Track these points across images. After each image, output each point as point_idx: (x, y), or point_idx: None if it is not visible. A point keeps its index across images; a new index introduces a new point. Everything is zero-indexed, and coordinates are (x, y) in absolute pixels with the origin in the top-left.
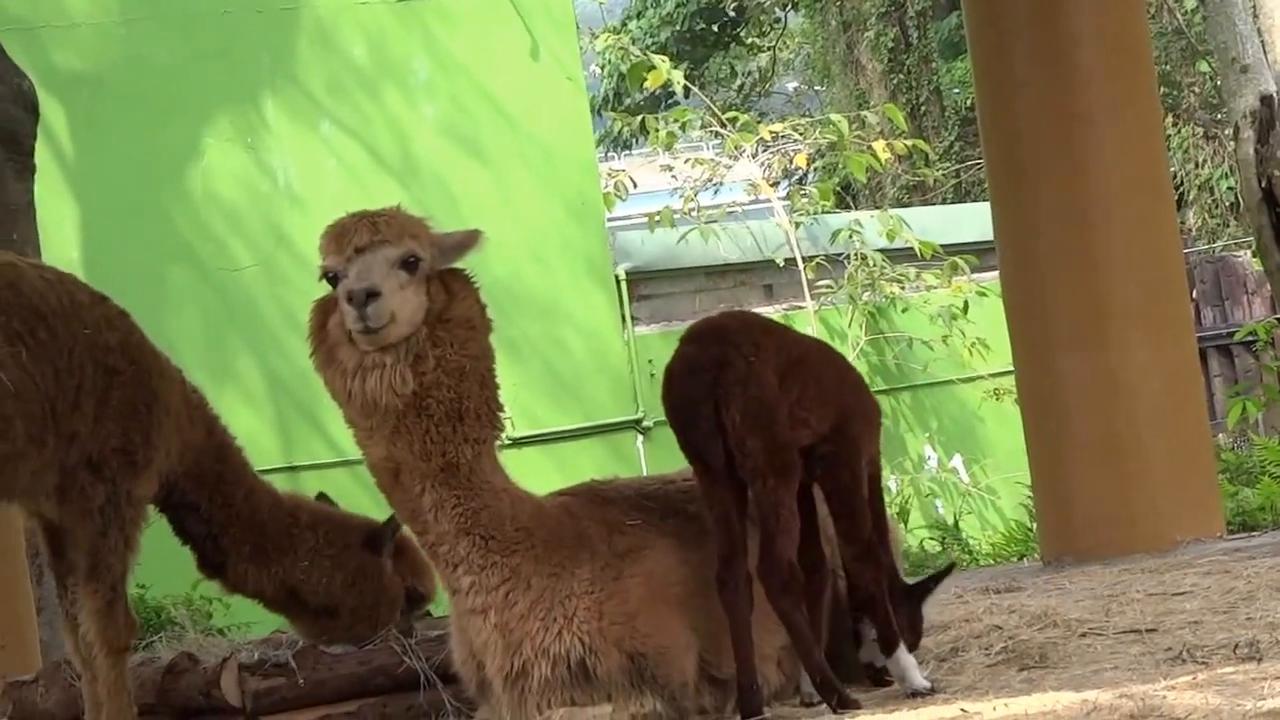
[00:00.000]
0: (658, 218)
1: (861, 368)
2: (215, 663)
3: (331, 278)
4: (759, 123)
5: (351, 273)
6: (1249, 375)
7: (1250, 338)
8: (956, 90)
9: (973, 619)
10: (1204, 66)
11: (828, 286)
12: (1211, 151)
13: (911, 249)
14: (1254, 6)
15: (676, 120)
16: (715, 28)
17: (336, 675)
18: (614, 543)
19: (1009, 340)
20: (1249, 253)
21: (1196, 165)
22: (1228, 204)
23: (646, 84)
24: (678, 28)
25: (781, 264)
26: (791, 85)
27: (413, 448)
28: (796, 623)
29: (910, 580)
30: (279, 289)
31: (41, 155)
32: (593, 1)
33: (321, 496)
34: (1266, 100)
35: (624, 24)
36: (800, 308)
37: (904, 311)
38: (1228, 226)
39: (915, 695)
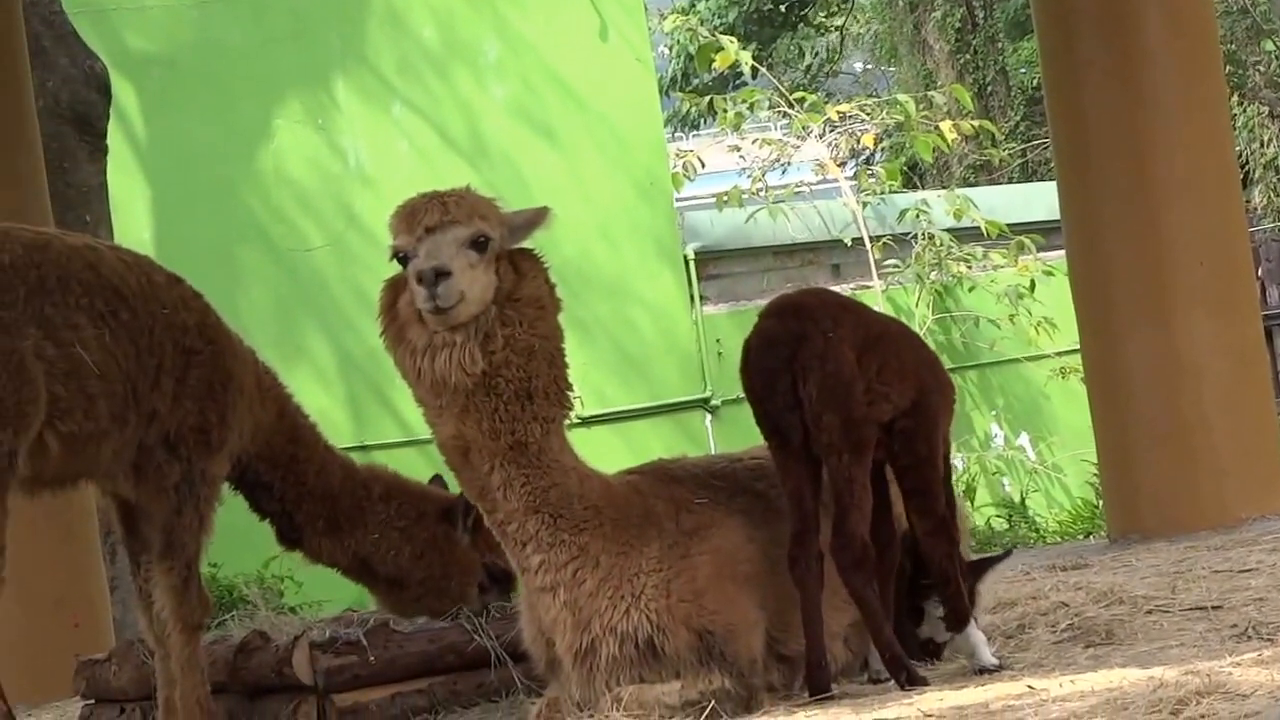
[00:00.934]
0: (726, 198)
1: None
2: (287, 641)
3: (401, 258)
4: (826, 103)
5: (421, 252)
6: None
7: None
8: (1023, 70)
9: (1039, 596)
10: (1269, 45)
11: (894, 266)
12: (1277, 130)
13: (978, 228)
14: None
15: (744, 101)
16: (783, 8)
17: (407, 653)
18: (682, 521)
19: (1075, 319)
20: None
21: (1262, 144)
22: None
23: (715, 65)
24: (745, 8)
25: (849, 243)
26: (859, 66)
27: (481, 426)
28: (868, 599)
29: (973, 558)
30: (349, 269)
31: (114, 137)
32: None
33: (436, 479)
34: None
35: (692, 5)
36: (867, 287)
37: (970, 290)
38: None
39: (983, 672)
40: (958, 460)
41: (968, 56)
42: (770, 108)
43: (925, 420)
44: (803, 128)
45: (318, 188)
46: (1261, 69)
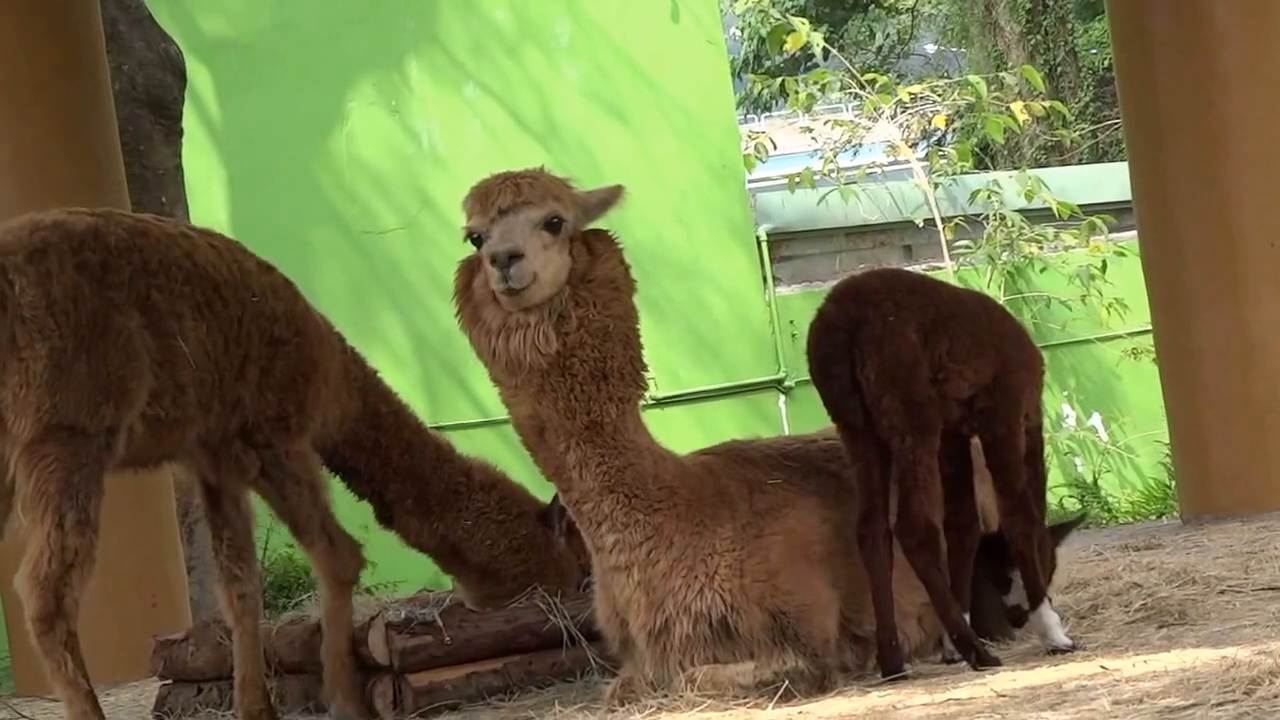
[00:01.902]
0: (798, 179)
1: None
2: (363, 621)
3: (475, 239)
4: (897, 84)
5: (495, 234)
6: None
7: None
8: (1093, 51)
9: (1112, 576)
10: None
11: (966, 247)
12: None
13: (1049, 209)
14: None
15: (816, 82)
16: None
17: (482, 633)
18: (755, 501)
19: (1146, 299)
20: None
21: None
22: None
23: (786, 47)
24: None
25: (920, 224)
26: (930, 47)
27: (557, 406)
28: (935, 580)
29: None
30: (423, 251)
31: (189, 120)
32: None
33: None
34: None
35: None
36: (939, 268)
37: (1042, 271)
38: None
39: (1056, 652)
40: None
41: (1038, 37)
42: (841, 89)
43: (1006, 398)
44: (874, 109)
45: (391, 170)
46: None
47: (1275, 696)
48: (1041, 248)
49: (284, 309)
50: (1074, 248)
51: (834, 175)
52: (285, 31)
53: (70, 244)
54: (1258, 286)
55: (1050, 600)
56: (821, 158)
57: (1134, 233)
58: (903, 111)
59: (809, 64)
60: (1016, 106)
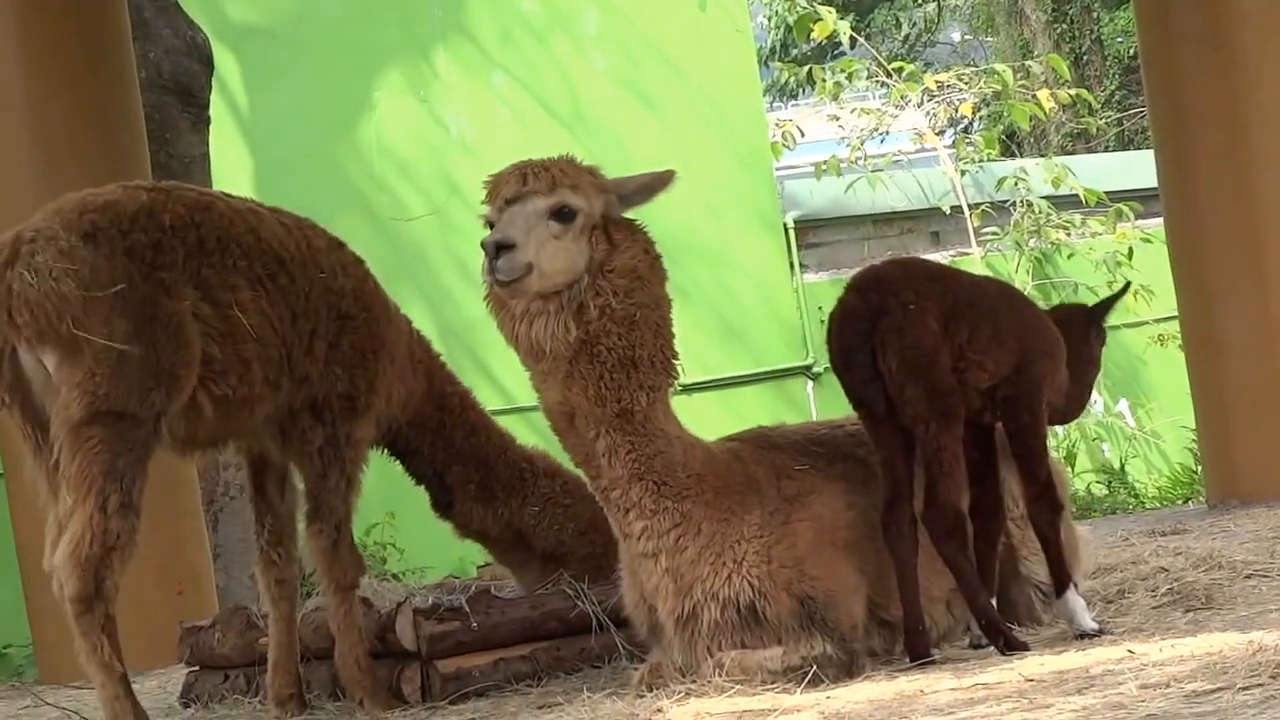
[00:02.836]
0: (825, 166)
1: None
2: (390, 607)
3: (491, 227)
4: (924, 73)
5: (499, 223)
6: None
7: None
8: (1119, 39)
9: (1139, 561)
10: None
11: (993, 233)
12: None
13: (1076, 196)
14: None
15: (843, 70)
16: None
17: (510, 619)
18: (782, 488)
19: (1173, 286)
20: None
21: None
22: None
23: (813, 35)
24: None
25: (948, 211)
26: (956, 36)
27: (587, 393)
28: (961, 567)
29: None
30: (451, 239)
31: (216, 107)
32: None
33: None
34: None
35: None
36: (967, 254)
37: (1069, 258)
38: None
39: (1083, 636)
40: (1058, 427)
41: (1064, 26)
42: (868, 77)
43: (1028, 386)
44: (901, 97)
45: (419, 158)
46: None
47: None
48: (1068, 234)
49: (352, 286)
50: (1101, 234)
51: (861, 163)
52: (313, 19)
53: (120, 226)
54: None
55: (1077, 585)
56: (849, 145)
57: (1160, 219)
58: (929, 99)
59: (836, 52)
60: (1043, 94)
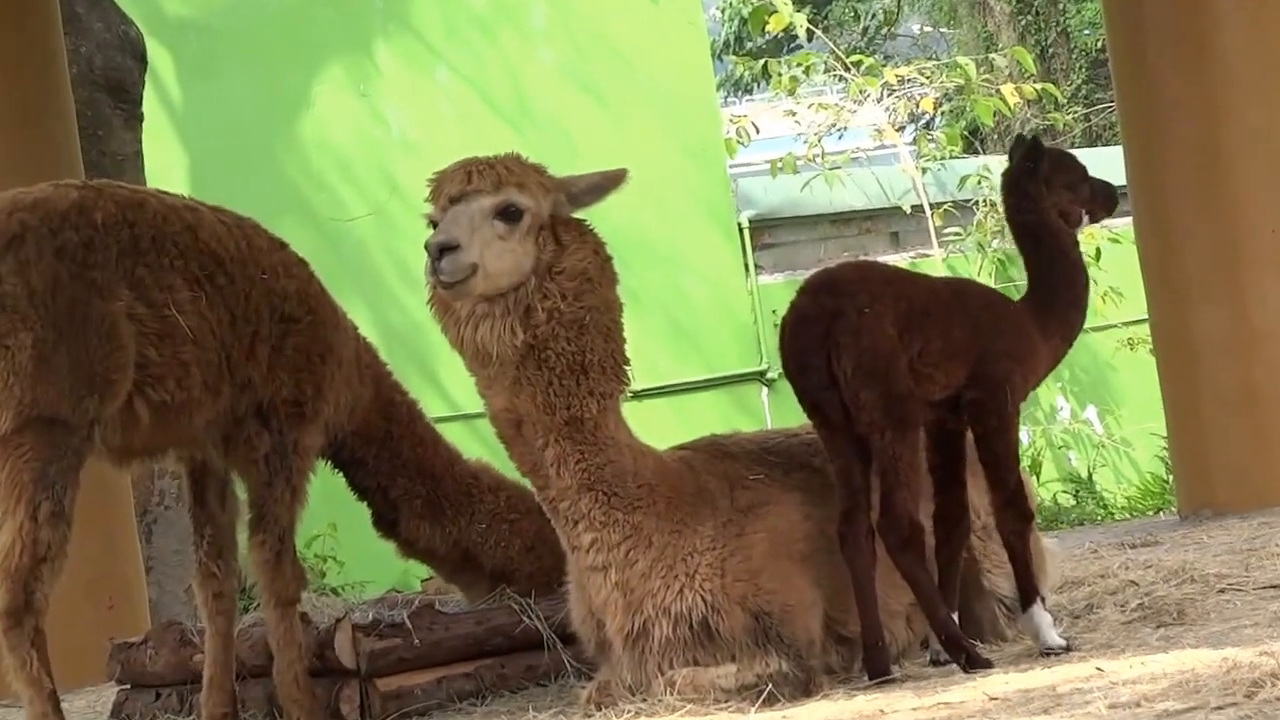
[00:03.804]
0: (781, 164)
1: None
2: (329, 623)
3: (434, 227)
4: (884, 66)
5: (441, 223)
6: None
7: None
8: (1086, 32)
9: (1108, 574)
10: None
11: (955, 234)
12: None
13: None
14: None
15: (799, 64)
16: None
17: (453, 635)
18: (736, 498)
19: (1143, 287)
20: None
21: None
22: None
23: (768, 28)
24: None
25: (908, 211)
26: (917, 28)
27: (535, 399)
28: (919, 579)
29: None
30: (392, 239)
31: (149, 104)
32: None
33: None
34: None
35: None
36: (927, 255)
37: None
38: None
39: (1049, 653)
40: (1023, 434)
41: (1029, 18)
42: (826, 71)
43: (992, 388)
44: (860, 92)
45: (359, 155)
46: None
47: (1278, 699)
48: None
49: (296, 288)
50: None
51: (818, 160)
52: (250, 12)
53: (50, 225)
54: (1259, 274)
55: (1043, 599)
56: (805, 142)
57: (1129, 219)
58: (889, 94)
59: (792, 45)
60: (1007, 89)
